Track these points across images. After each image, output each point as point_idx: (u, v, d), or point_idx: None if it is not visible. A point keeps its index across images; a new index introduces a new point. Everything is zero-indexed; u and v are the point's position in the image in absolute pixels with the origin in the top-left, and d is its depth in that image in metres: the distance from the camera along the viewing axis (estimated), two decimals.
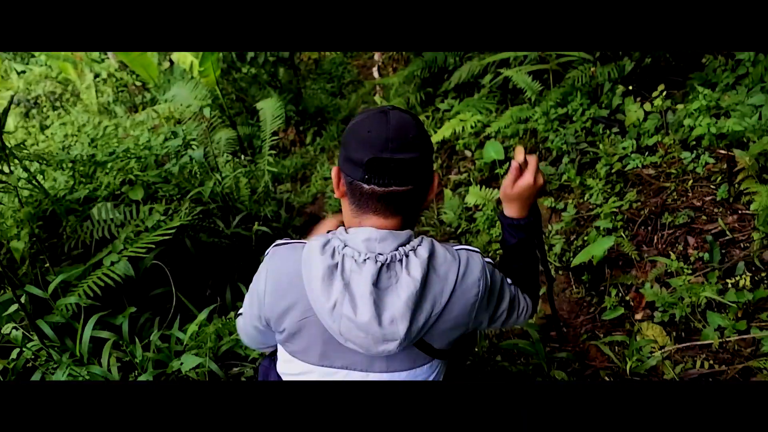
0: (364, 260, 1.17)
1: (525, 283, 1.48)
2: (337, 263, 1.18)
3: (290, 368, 1.34)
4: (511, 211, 1.50)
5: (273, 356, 1.56)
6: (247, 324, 1.42)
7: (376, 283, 1.15)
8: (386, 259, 1.17)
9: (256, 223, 3.44)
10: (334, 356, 1.26)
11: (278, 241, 1.33)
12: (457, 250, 1.28)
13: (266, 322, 1.31)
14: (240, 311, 1.49)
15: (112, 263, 2.62)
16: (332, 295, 1.15)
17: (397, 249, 1.19)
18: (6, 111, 2.50)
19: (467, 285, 1.24)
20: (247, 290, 1.38)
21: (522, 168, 1.45)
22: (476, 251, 1.31)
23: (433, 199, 1.16)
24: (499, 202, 3.54)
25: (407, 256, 1.19)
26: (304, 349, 1.28)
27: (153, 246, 2.71)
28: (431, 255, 1.21)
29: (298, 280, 1.21)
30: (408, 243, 1.22)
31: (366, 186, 1.19)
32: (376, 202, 1.21)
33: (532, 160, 1.47)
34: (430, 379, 1.35)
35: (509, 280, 1.43)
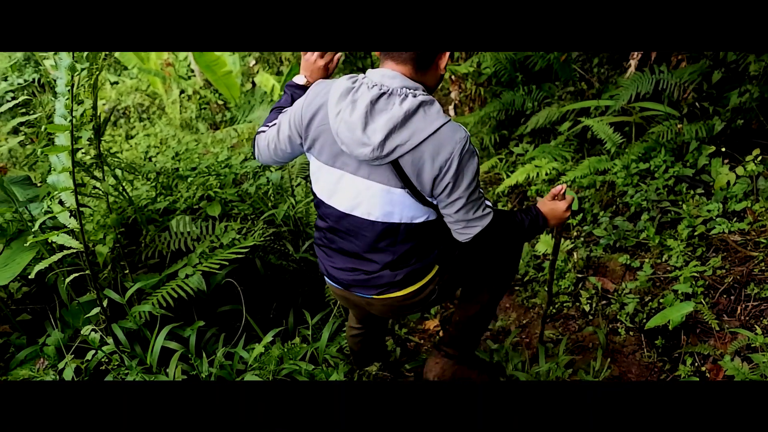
0: (372, 86, 1.58)
1: (501, 226, 1.81)
2: (354, 87, 1.60)
3: (313, 167, 1.80)
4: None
5: None
6: (278, 130, 1.84)
7: (374, 103, 1.56)
8: (387, 90, 1.58)
9: None
10: (337, 159, 1.69)
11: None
12: (459, 124, 1.64)
13: (297, 128, 1.76)
14: (260, 129, 1.98)
15: (187, 276, 2.70)
16: (341, 105, 1.58)
17: (401, 88, 1.58)
18: (106, 121, 2.64)
19: (446, 139, 1.58)
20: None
21: (560, 196, 1.95)
22: (468, 133, 1.64)
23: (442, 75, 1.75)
24: (569, 252, 3.47)
25: (407, 96, 1.57)
26: (319, 151, 1.73)
27: (226, 263, 2.77)
28: (427, 103, 1.59)
29: (325, 97, 1.66)
30: (414, 89, 1.60)
31: None
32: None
33: (570, 197, 1.98)
34: (401, 207, 1.71)
35: (488, 200, 1.78)
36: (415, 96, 1.57)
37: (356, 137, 1.55)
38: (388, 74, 1.60)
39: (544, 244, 3.50)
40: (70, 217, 2.11)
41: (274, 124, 1.91)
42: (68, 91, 1.95)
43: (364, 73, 1.67)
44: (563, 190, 1.95)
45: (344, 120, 1.56)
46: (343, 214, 1.78)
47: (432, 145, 1.57)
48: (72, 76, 1.91)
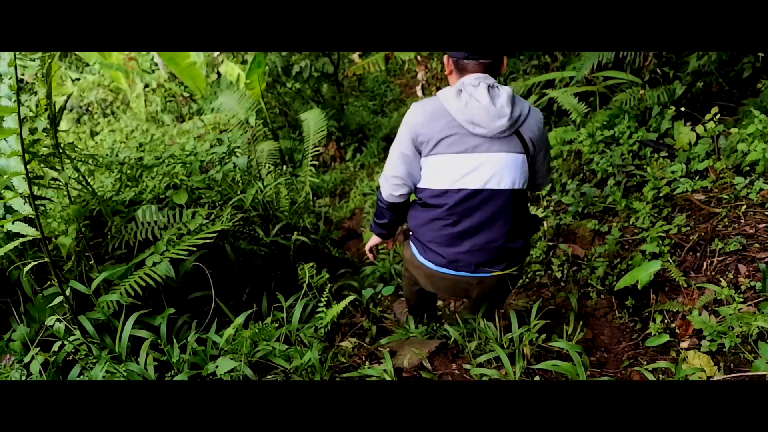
0: (479, 84, 1.97)
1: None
2: (461, 89, 1.97)
3: (434, 166, 2.06)
4: None
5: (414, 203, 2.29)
6: (394, 160, 2.13)
7: (489, 91, 1.95)
8: (490, 83, 1.98)
9: (296, 233, 3.46)
10: (468, 144, 2.00)
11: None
12: None
13: (417, 143, 2.06)
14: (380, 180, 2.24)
15: (154, 264, 2.65)
16: (463, 100, 1.95)
17: (494, 81, 2.00)
18: (62, 109, 2.57)
19: (536, 113, 2.08)
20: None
21: None
22: None
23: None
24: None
25: (498, 88, 1.99)
26: (448, 146, 2.01)
27: (194, 249, 2.73)
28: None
29: (438, 105, 2.01)
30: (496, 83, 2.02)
31: (466, 60, 2.02)
32: (472, 65, 2.03)
33: None
34: (520, 173, 2.07)
35: None
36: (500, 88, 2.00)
37: (492, 114, 1.93)
38: (481, 76, 2.00)
39: None
40: (24, 204, 2.05)
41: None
42: (12, 71, 1.88)
43: None
44: None
45: (476, 107, 1.93)
46: (473, 191, 2.04)
47: (533, 116, 2.06)
48: (15, 56, 1.85)
